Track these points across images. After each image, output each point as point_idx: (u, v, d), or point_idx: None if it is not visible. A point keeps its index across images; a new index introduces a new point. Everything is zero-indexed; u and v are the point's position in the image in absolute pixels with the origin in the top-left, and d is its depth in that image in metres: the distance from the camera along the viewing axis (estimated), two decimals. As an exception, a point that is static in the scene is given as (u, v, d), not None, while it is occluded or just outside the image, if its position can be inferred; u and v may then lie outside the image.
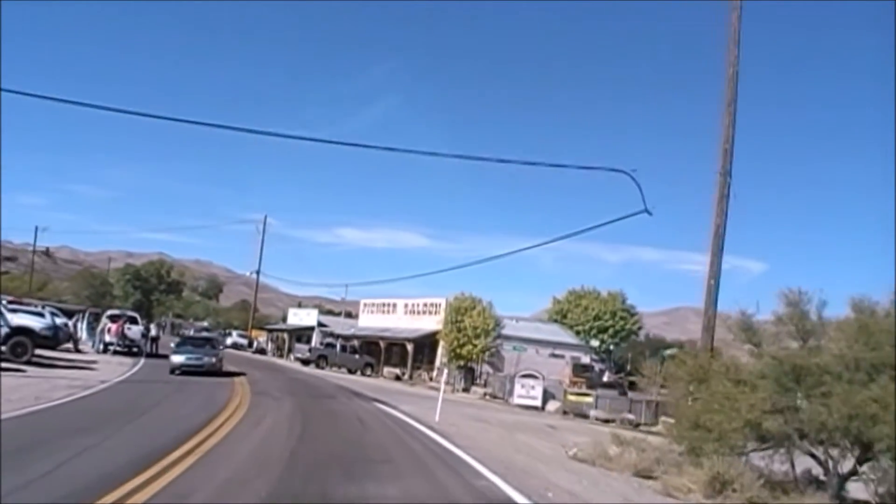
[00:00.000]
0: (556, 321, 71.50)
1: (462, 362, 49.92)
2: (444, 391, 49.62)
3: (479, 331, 49.37)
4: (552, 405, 44.17)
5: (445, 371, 23.55)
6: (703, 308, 19.08)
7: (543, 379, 46.83)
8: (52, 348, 26.84)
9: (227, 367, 30.37)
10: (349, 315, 71.22)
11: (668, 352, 24.39)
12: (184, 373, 26.06)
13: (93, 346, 36.93)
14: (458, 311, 50.07)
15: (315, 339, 65.96)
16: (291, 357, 59.33)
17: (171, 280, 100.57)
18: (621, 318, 72.64)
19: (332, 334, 63.67)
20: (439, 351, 54.76)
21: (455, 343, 49.42)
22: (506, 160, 33.02)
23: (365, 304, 63.63)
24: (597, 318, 71.62)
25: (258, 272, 71.12)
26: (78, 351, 34.72)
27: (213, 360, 27.25)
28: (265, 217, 71.11)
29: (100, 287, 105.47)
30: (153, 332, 38.89)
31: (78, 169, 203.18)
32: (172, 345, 33.46)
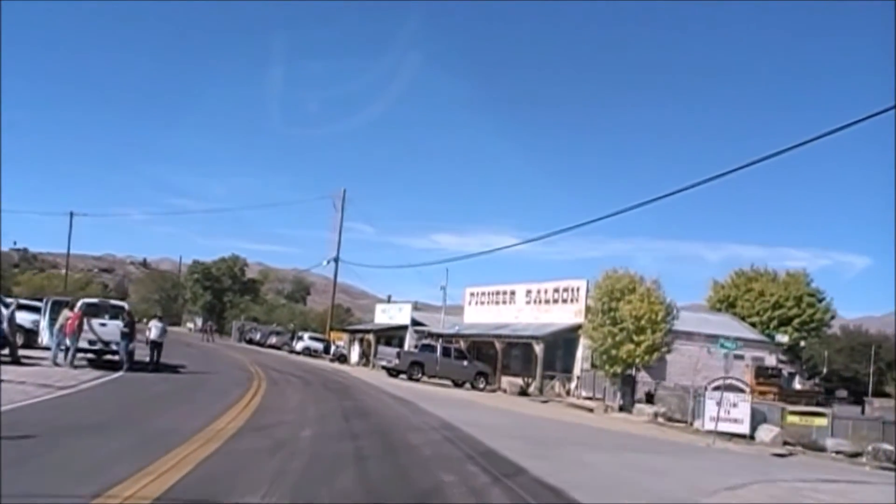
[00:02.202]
0: (718, 310, 54.36)
1: (619, 368, 34.01)
2: (594, 410, 33.75)
3: (642, 322, 33.30)
4: (765, 431, 28.41)
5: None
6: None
7: (751, 393, 31.19)
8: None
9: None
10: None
11: None
12: None
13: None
14: (611, 295, 34.08)
15: (408, 341, 51.67)
16: (377, 364, 45.11)
17: (247, 279, 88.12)
18: (808, 304, 54.58)
19: (430, 334, 49.11)
20: (579, 353, 39.17)
21: (609, 341, 33.51)
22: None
23: (472, 294, 48.31)
24: (777, 305, 53.85)
25: (336, 260, 57.18)
26: (16, 362, 20.97)
27: None
28: (343, 192, 57.18)
29: (171, 290, 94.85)
30: (153, 334, 24.49)
31: (180, 182, 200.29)
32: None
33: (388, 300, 58.79)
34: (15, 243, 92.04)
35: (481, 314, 46.81)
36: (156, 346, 24.34)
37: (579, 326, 38.52)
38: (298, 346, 53.02)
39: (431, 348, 37.87)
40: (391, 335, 53.69)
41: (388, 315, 55.66)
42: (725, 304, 55.65)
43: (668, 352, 35.16)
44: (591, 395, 37.69)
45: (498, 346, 40.92)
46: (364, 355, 56.75)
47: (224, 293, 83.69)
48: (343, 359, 53.44)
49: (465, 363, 37.62)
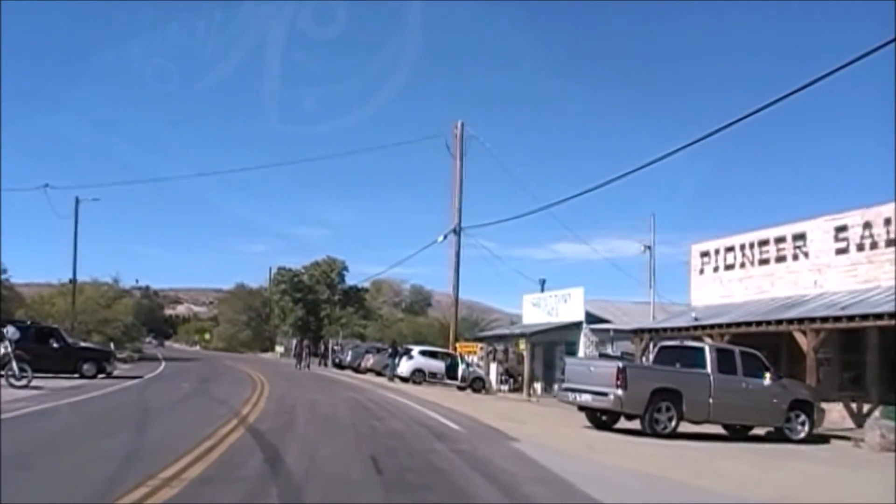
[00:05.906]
0: None
1: None
2: None
3: None
4: None
5: None
6: None
7: None
8: None
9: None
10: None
11: None
12: None
13: None
14: None
15: (583, 347, 31.63)
16: (563, 398, 24.72)
17: (349, 288, 69.67)
18: None
19: (618, 332, 28.99)
20: None
21: None
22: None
23: (704, 255, 26.54)
24: None
25: (458, 231, 37.19)
26: None
27: None
28: (461, 124, 37.24)
29: (261, 308, 78.09)
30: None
31: (300, 212, 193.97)
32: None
33: (542, 287, 38.06)
34: (137, 281, 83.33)
35: (730, 287, 25.25)
36: None
37: None
38: (403, 368, 32.73)
39: (692, 356, 16.50)
40: (551, 340, 33.51)
41: (546, 309, 35.09)
42: None
43: None
44: None
45: (802, 340, 19.41)
46: (509, 376, 36.49)
47: (320, 306, 65.58)
48: (480, 385, 32.99)
49: (767, 383, 16.23)
